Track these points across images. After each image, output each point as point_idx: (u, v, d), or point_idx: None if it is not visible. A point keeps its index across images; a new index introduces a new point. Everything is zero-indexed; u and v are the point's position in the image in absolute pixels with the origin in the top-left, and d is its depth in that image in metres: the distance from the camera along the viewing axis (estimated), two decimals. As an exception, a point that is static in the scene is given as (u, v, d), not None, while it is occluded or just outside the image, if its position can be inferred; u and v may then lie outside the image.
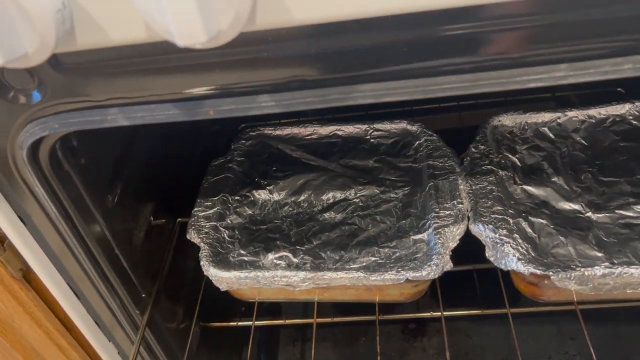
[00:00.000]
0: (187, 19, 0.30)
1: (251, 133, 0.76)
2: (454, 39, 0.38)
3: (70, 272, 0.56)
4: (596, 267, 0.52)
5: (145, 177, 0.67)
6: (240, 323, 0.74)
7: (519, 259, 0.53)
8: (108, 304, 0.60)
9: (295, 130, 0.76)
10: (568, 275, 0.52)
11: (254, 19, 0.33)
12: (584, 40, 0.38)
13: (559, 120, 0.70)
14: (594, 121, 0.69)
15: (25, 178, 0.47)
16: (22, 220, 0.51)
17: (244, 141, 0.75)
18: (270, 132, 0.76)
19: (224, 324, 0.75)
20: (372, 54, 0.38)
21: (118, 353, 0.67)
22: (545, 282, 0.55)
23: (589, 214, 0.60)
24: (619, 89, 0.79)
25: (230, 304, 0.70)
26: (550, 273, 0.52)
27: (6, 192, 0.49)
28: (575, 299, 0.57)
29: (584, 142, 0.68)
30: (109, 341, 0.66)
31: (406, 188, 0.68)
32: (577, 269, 0.52)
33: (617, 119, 0.69)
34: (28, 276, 0.59)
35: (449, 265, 0.56)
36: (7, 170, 0.47)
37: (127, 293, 0.61)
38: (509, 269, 0.54)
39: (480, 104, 0.86)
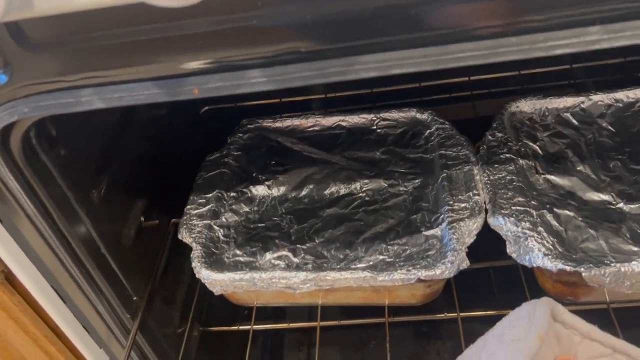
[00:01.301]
0: None
1: (249, 126, 0.71)
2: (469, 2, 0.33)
3: (54, 274, 0.52)
4: (634, 262, 0.46)
5: (136, 172, 0.63)
6: (241, 327, 0.68)
7: (545, 255, 0.48)
8: (96, 307, 0.56)
9: (296, 122, 0.71)
10: (602, 272, 0.46)
11: None
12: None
13: (582, 105, 0.64)
14: (621, 105, 0.63)
15: None
16: None
17: (241, 134, 0.70)
18: (269, 124, 0.71)
19: (225, 328, 0.70)
20: (376, 19, 0.34)
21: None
22: (575, 280, 0.49)
23: (621, 204, 0.54)
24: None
25: (231, 307, 0.65)
26: (582, 269, 0.46)
27: (-23, 188, 0.45)
28: (607, 299, 0.51)
29: (611, 127, 0.62)
30: (100, 347, 0.62)
31: (416, 180, 0.62)
32: (612, 264, 0.46)
33: (648, 102, 0.63)
34: (11, 279, 0.54)
35: (465, 263, 0.51)
36: (-24, 161, 0.42)
37: (117, 296, 0.56)
38: (534, 265, 0.48)
39: (495, 92, 0.80)
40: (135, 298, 0.60)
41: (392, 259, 0.54)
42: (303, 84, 0.37)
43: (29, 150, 0.44)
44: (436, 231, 0.55)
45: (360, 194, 0.62)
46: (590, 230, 0.52)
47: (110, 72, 0.37)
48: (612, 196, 0.55)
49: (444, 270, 0.49)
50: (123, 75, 0.37)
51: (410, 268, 0.50)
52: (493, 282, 0.63)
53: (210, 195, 0.62)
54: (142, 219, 0.63)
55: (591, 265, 0.46)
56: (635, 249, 0.50)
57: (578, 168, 0.58)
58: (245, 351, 0.64)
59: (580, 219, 0.53)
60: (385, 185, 0.62)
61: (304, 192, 0.63)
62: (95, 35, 0.35)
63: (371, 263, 0.54)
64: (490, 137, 0.60)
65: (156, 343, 0.63)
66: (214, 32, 0.35)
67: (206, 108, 0.82)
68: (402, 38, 0.35)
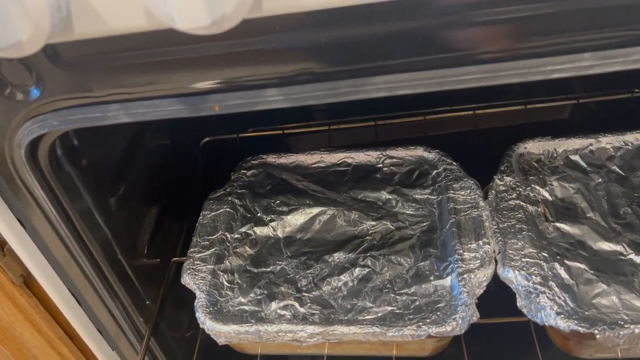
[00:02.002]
0: (189, 2, 0.27)
1: (253, 162, 0.70)
2: (474, 27, 0.36)
3: (72, 278, 0.55)
4: (648, 324, 0.45)
5: (151, 179, 0.68)
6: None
7: (557, 314, 0.47)
8: (111, 311, 0.59)
9: (300, 158, 0.70)
10: (616, 334, 0.45)
11: (260, 4, 0.31)
12: (610, 27, 0.36)
13: (591, 147, 0.63)
14: (630, 148, 0.63)
15: (24, 179, 0.46)
16: (21, 224, 0.50)
17: (245, 170, 0.69)
18: (273, 160, 0.70)
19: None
20: (386, 43, 0.37)
21: (122, 362, 0.65)
22: (588, 337, 0.48)
23: (632, 255, 0.54)
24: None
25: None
26: (596, 332, 0.45)
27: (5, 195, 0.48)
28: (620, 355, 0.50)
29: (620, 171, 0.61)
30: (113, 350, 0.65)
31: (424, 224, 0.61)
32: (626, 325, 0.45)
33: (657, 146, 0.62)
34: (29, 282, 0.58)
35: (475, 316, 0.50)
36: (5, 170, 0.45)
37: (131, 300, 0.60)
38: (546, 324, 0.47)
39: (501, 127, 0.80)
40: (148, 302, 0.63)
41: (400, 311, 0.53)
42: (316, 102, 0.39)
43: (55, 160, 0.47)
44: (446, 281, 0.54)
45: (367, 237, 0.61)
46: (602, 285, 0.51)
47: (136, 89, 0.40)
48: (624, 246, 0.54)
49: (454, 327, 0.48)
50: (148, 92, 0.40)
51: (420, 324, 0.49)
52: (503, 333, 0.62)
53: (213, 237, 0.61)
54: (156, 223, 0.67)
55: (605, 327, 0.45)
56: (649, 305, 0.49)
57: (588, 215, 0.58)
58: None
59: (591, 271, 0.52)
60: (393, 228, 0.61)
61: (309, 235, 0.62)
62: (123, 55, 0.38)
63: (379, 315, 0.53)
64: (498, 181, 0.60)
65: (167, 346, 0.67)
66: (235, 54, 0.37)
67: (207, 139, 0.81)
68: (410, 61, 0.37)
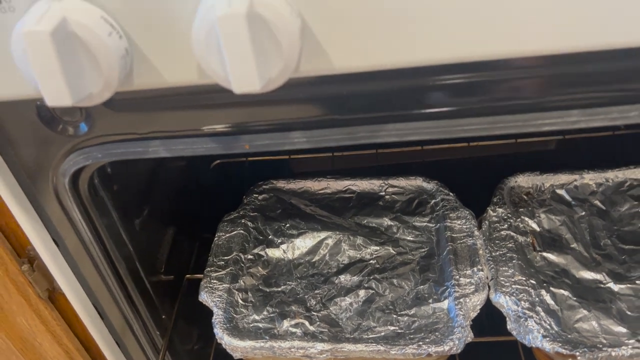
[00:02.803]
0: (245, 70, 0.32)
1: (264, 186, 0.75)
2: (475, 86, 0.41)
3: (96, 292, 0.60)
4: (623, 347, 0.51)
5: (169, 201, 0.73)
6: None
7: (544, 337, 0.52)
8: (130, 324, 0.64)
9: (308, 184, 0.75)
10: (595, 356, 0.51)
11: (298, 68, 0.35)
12: (594, 89, 0.42)
13: (575, 183, 0.69)
14: (611, 184, 0.69)
15: (64, 204, 0.50)
16: (55, 243, 0.54)
17: (256, 195, 0.74)
18: (283, 185, 0.75)
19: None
20: (399, 96, 0.42)
21: (136, 374, 0.69)
22: (570, 358, 0.54)
23: (610, 284, 0.59)
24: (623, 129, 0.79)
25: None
26: (577, 354, 0.51)
27: (43, 216, 0.52)
28: (599, 374, 0.56)
29: (601, 206, 0.68)
30: None
31: (423, 250, 0.67)
32: (604, 349, 0.51)
33: (635, 183, 0.68)
34: (53, 296, 0.62)
35: (470, 337, 0.55)
36: (47, 196, 0.50)
37: (150, 314, 0.64)
38: (533, 346, 0.53)
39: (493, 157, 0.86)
40: (164, 317, 0.68)
41: (402, 330, 0.58)
42: (335, 144, 0.45)
43: (92, 187, 0.52)
44: (443, 304, 0.59)
45: (371, 261, 0.66)
46: (584, 310, 0.57)
47: (176, 128, 0.45)
48: (603, 275, 0.60)
49: (452, 347, 0.53)
50: (187, 131, 0.45)
51: (421, 343, 0.54)
52: (493, 351, 0.67)
53: (228, 257, 0.65)
54: (173, 241, 0.73)
55: (585, 349, 0.51)
56: (624, 330, 0.55)
57: (572, 246, 0.64)
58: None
59: (574, 298, 0.58)
60: (394, 252, 0.67)
61: (317, 257, 0.67)
62: (169, 99, 0.42)
63: (383, 334, 0.58)
64: (491, 212, 0.65)
65: (179, 359, 0.72)
66: (267, 101, 0.41)
67: (217, 162, 0.86)
68: (419, 112, 0.43)
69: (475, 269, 0.60)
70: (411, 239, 0.68)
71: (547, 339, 0.52)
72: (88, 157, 0.47)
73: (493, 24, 0.34)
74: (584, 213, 0.67)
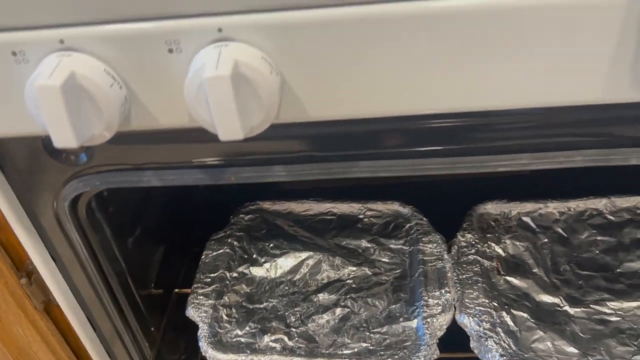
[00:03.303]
0: (229, 122, 0.36)
1: (250, 207, 0.80)
2: (437, 131, 0.47)
3: (89, 305, 0.64)
4: (572, 367, 0.56)
5: (159, 219, 0.78)
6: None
7: (501, 355, 0.57)
8: (121, 336, 0.68)
9: (292, 205, 0.80)
10: (546, 375, 0.56)
11: (278, 116, 0.40)
12: (542, 136, 0.47)
13: (540, 211, 0.74)
14: (572, 213, 0.74)
15: (64, 225, 0.55)
16: (53, 259, 0.59)
17: (243, 215, 0.79)
18: (268, 206, 0.80)
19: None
20: (370, 137, 0.48)
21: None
22: (525, 376, 0.59)
23: (567, 307, 0.64)
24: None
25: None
26: (530, 372, 0.56)
27: (44, 236, 0.56)
28: (552, 392, 0.61)
29: (563, 233, 0.73)
30: None
31: (397, 271, 0.71)
32: (555, 367, 0.56)
33: (595, 213, 0.73)
34: (48, 308, 0.66)
35: (436, 355, 0.60)
36: (49, 218, 0.54)
37: (139, 326, 0.68)
38: (492, 364, 0.58)
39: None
40: (152, 329, 0.72)
41: (374, 347, 0.62)
42: (313, 178, 0.51)
43: (89, 210, 0.56)
44: (413, 323, 0.64)
45: (348, 281, 0.71)
46: (540, 332, 0.62)
47: (168, 160, 0.49)
48: (560, 299, 0.65)
49: (417, 363, 0.58)
50: (178, 163, 0.50)
51: (389, 359, 0.59)
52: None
53: (214, 275, 0.70)
54: (162, 258, 0.78)
55: (538, 367, 0.56)
56: (576, 351, 0.60)
57: (534, 270, 0.69)
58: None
59: (532, 320, 0.63)
60: (370, 273, 0.72)
61: (298, 276, 0.72)
62: (161, 136, 0.47)
63: (356, 350, 0.62)
64: (460, 238, 0.70)
65: None
66: (250, 139, 0.43)
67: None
68: (389, 151, 0.48)
69: (443, 290, 0.65)
70: (386, 260, 0.73)
71: (505, 358, 0.57)
72: (87, 184, 0.51)
73: (445, 85, 0.39)
74: (546, 240, 0.72)
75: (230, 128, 0.37)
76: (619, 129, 0.46)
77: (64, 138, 0.37)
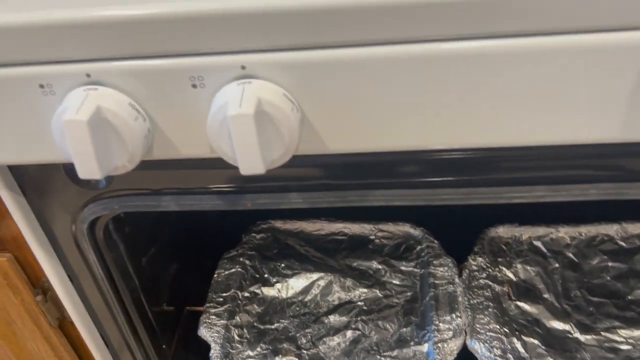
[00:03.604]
0: (251, 158, 0.37)
1: (262, 226, 0.80)
2: (453, 162, 0.47)
3: (103, 322, 0.65)
4: (583, 397, 0.56)
5: (172, 238, 0.79)
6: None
7: (512, 383, 0.57)
8: (133, 353, 0.69)
9: (304, 225, 0.80)
10: (557, 404, 0.56)
11: (298, 149, 0.41)
12: (558, 168, 0.47)
13: (552, 236, 0.75)
14: (583, 238, 0.74)
15: (82, 247, 0.56)
16: (70, 279, 0.60)
17: (255, 234, 0.79)
18: (280, 225, 0.80)
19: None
20: (386, 167, 0.48)
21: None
22: (536, 404, 0.59)
23: (577, 334, 0.65)
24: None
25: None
26: (541, 401, 0.56)
27: (62, 257, 0.57)
28: (562, 419, 0.61)
29: (574, 258, 0.73)
30: None
31: (408, 294, 0.72)
32: (566, 397, 0.56)
33: (606, 238, 0.73)
34: (62, 324, 0.67)
35: (446, 380, 0.60)
36: (67, 239, 0.55)
37: (151, 343, 0.69)
38: (503, 391, 0.58)
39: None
40: (164, 346, 0.73)
41: (384, 371, 0.63)
42: (328, 205, 0.51)
43: (107, 232, 0.58)
44: (423, 347, 0.64)
45: (359, 303, 0.71)
46: (551, 359, 0.62)
47: (186, 185, 0.50)
48: (571, 326, 0.65)
49: (428, 389, 0.58)
50: (196, 189, 0.51)
51: (400, 384, 0.59)
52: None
53: (227, 294, 0.71)
54: (175, 276, 0.79)
55: (549, 397, 0.56)
56: (587, 379, 0.60)
57: (544, 296, 0.69)
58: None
59: (543, 347, 0.63)
60: (381, 295, 0.72)
61: (309, 297, 0.72)
62: (179, 162, 0.46)
63: (366, 373, 0.63)
64: (472, 261, 0.71)
65: None
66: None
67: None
68: (403, 181, 0.49)
69: (454, 315, 0.65)
70: (397, 282, 0.73)
71: (515, 385, 0.57)
72: (106, 208, 0.53)
73: (459, 122, 0.39)
74: (557, 265, 0.72)
75: (252, 163, 0.37)
76: (634, 163, 0.46)
77: (88, 170, 0.38)
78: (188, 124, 0.40)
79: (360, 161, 0.48)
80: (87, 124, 0.36)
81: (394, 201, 0.50)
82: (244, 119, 0.35)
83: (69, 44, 0.37)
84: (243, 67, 0.37)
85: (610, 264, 0.71)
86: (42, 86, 0.39)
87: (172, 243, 0.78)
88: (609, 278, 0.70)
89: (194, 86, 0.38)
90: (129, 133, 0.39)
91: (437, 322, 0.65)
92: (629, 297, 0.67)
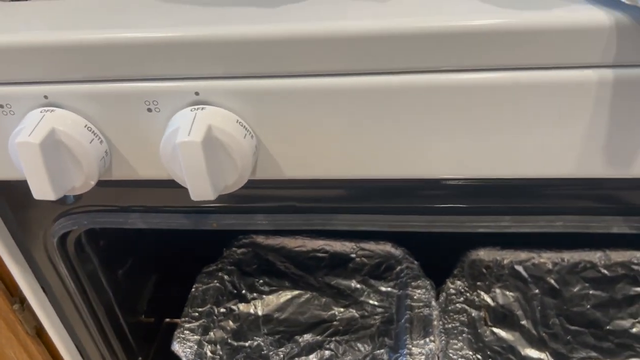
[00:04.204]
0: (200, 184, 0.37)
1: (244, 240, 0.80)
2: (415, 189, 0.47)
3: (78, 334, 0.65)
4: None
5: (154, 248, 0.78)
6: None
7: (479, 413, 0.57)
8: None
9: (286, 241, 0.80)
10: None
11: (254, 173, 0.41)
12: (523, 200, 0.46)
13: (534, 261, 0.74)
14: (565, 264, 0.73)
15: (53, 259, 0.56)
16: (43, 290, 0.60)
17: (235, 248, 0.79)
18: (262, 240, 0.80)
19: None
20: (348, 193, 0.48)
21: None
22: None
23: (552, 364, 0.64)
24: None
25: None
26: None
27: (35, 268, 0.58)
28: None
29: (555, 285, 0.72)
30: None
31: (385, 315, 0.71)
32: None
33: (588, 265, 0.72)
34: (40, 333, 0.68)
35: (415, 405, 0.59)
36: (39, 252, 0.56)
37: (126, 355, 0.70)
38: (471, 420, 0.57)
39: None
40: (140, 358, 0.73)
41: (354, 394, 0.62)
42: (293, 228, 0.51)
43: (79, 245, 0.58)
44: (394, 371, 0.64)
45: (335, 322, 0.71)
46: (522, 388, 0.61)
47: (153, 203, 0.50)
48: (547, 355, 0.64)
49: (395, 415, 0.58)
50: (162, 207, 0.51)
51: (367, 409, 0.59)
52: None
53: (202, 309, 0.71)
54: (154, 289, 0.78)
55: None
56: (559, 411, 0.59)
57: (522, 322, 0.68)
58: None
59: (516, 376, 0.62)
60: (357, 316, 0.71)
61: (285, 315, 0.72)
62: (143, 181, 0.46)
63: (336, 396, 0.62)
64: (450, 284, 0.70)
65: None
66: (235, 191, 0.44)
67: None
68: (367, 206, 0.48)
69: (427, 339, 0.64)
70: (375, 303, 0.73)
71: (483, 415, 0.56)
72: (75, 223, 0.53)
73: (411, 154, 0.39)
74: (537, 291, 0.71)
75: (201, 189, 0.37)
76: (599, 198, 0.46)
77: (42, 191, 0.38)
78: (145, 147, 0.41)
79: (324, 185, 0.48)
80: (40, 146, 0.36)
81: (357, 226, 0.50)
82: (191, 146, 0.35)
83: (27, 65, 0.38)
84: (197, 93, 0.38)
85: (591, 291, 0.70)
86: (1, 106, 0.39)
87: (152, 254, 0.78)
88: (588, 306, 0.69)
89: (149, 110, 0.39)
90: (83, 155, 0.39)
91: (410, 345, 0.64)
92: (608, 327, 0.66)
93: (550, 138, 0.37)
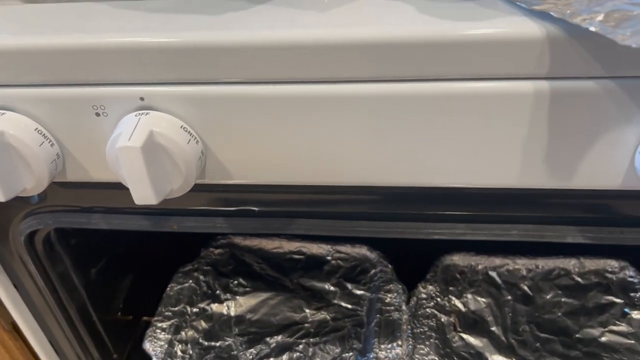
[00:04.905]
0: (141, 189, 0.38)
1: (222, 241, 0.81)
2: (371, 195, 0.46)
3: (52, 331, 0.66)
4: None
5: (130, 247, 0.78)
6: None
7: (439, 419, 0.57)
8: None
9: (263, 242, 0.80)
10: None
11: (203, 176, 0.41)
12: (477, 208, 0.46)
13: (508, 267, 0.73)
14: (540, 271, 0.73)
15: (23, 257, 0.57)
16: (15, 287, 0.61)
17: (213, 249, 0.80)
18: (239, 241, 0.81)
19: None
20: (307, 198, 0.48)
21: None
22: None
23: (510, 370, 0.64)
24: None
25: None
26: None
27: (6, 265, 0.59)
28: None
29: (528, 291, 0.71)
30: None
31: (356, 317, 0.71)
32: None
33: (562, 273, 0.72)
34: (17, 328, 0.68)
35: (378, 410, 0.60)
36: (8, 249, 0.56)
37: (99, 354, 0.70)
38: None
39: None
40: (115, 356, 0.74)
41: (319, 396, 0.63)
42: (253, 232, 0.55)
43: (48, 244, 0.58)
44: (360, 375, 0.64)
45: (306, 324, 0.71)
46: (485, 396, 0.61)
47: (114, 204, 0.51)
48: (514, 362, 0.64)
49: (356, 419, 0.58)
50: (123, 208, 0.51)
51: (329, 412, 0.59)
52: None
53: (175, 309, 0.71)
54: (130, 288, 0.78)
55: None
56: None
57: (492, 328, 0.68)
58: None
59: (480, 382, 0.62)
60: (329, 318, 0.72)
61: (257, 316, 0.73)
62: (103, 183, 0.47)
63: (300, 398, 0.63)
64: (421, 289, 0.70)
65: None
66: (193, 190, 0.44)
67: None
68: (322, 211, 0.49)
69: (395, 344, 0.64)
70: (348, 306, 0.73)
71: (443, 421, 0.56)
72: (40, 222, 0.54)
73: (357, 162, 0.39)
74: (510, 297, 0.71)
75: (143, 193, 0.38)
76: (552, 207, 0.45)
77: (-9, 193, 0.39)
78: (94, 150, 0.41)
79: (282, 190, 0.48)
80: (-14, 149, 0.37)
81: (313, 230, 0.50)
82: (131, 151, 0.36)
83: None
84: (142, 99, 0.38)
85: (563, 299, 0.70)
86: (-46, 109, 0.40)
87: (128, 252, 0.78)
88: (560, 314, 0.68)
89: (97, 114, 0.39)
90: (33, 158, 0.40)
91: (377, 349, 0.64)
92: (577, 335, 0.66)
93: (489, 149, 0.37)
